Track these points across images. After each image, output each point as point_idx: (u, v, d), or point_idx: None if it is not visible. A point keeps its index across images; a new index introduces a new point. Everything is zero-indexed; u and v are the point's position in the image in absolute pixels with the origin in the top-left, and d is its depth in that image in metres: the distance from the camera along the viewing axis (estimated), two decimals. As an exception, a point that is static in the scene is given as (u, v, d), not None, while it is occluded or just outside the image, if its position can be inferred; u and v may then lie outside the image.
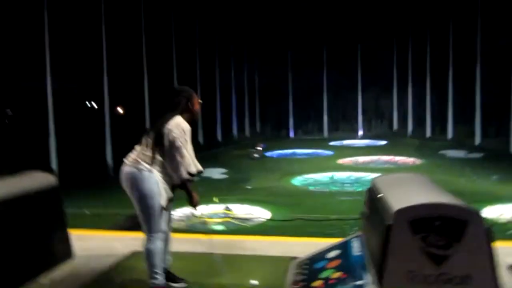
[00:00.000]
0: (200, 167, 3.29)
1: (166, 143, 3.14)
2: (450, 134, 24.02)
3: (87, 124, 17.08)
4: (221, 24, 24.02)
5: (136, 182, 3.13)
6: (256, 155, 20.40)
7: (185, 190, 3.24)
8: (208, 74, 23.85)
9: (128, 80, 18.32)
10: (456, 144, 21.95)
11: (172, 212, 3.59)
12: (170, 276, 3.48)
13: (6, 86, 15.26)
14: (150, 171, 3.13)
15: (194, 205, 3.30)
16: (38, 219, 3.78)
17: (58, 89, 13.88)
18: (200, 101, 3.53)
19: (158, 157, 3.17)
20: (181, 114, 3.30)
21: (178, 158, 3.11)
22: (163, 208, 3.19)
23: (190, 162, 3.18)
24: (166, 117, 3.24)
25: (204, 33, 22.93)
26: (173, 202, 3.41)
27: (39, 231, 3.76)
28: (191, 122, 3.36)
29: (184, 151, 3.14)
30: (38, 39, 12.64)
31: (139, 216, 3.20)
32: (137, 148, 3.28)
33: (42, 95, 13.09)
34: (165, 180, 3.19)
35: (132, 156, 3.25)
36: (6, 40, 13.73)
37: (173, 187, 3.28)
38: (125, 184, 3.23)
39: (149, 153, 3.17)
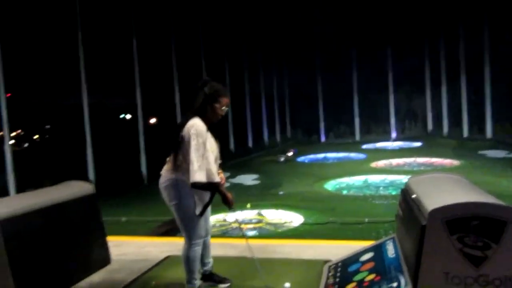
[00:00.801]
0: (214, 178, 3.04)
1: (183, 149, 3.06)
2: (489, 133, 23.11)
3: (122, 135, 17.57)
4: (248, 29, 24.22)
5: (170, 192, 3.15)
6: (281, 159, 20.44)
7: (216, 191, 3.15)
8: (237, 81, 24.06)
9: (160, 91, 18.75)
10: (496, 143, 21.08)
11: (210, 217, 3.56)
12: (215, 278, 3.52)
13: (45, 103, 15.97)
14: (179, 179, 3.10)
15: (228, 205, 3.21)
16: (78, 226, 3.92)
17: (93, 104, 14.39)
18: (225, 107, 3.20)
19: (183, 164, 3.08)
20: (200, 114, 3.15)
21: (188, 162, 3.00)
22: (199, 215, 3.18)
23: (201, 169, 2.97)
24: (183, 120, 3.14)
25: (232, 41, 23.20)
26: (210, 209, 3.40)
27: (78, 238, 3.90)
28: (215, 125, 3.19)
29: (194, 156, 2.97)
30: (73, 57, 13.18)
31: (179, 224, 3.22)
32: (168, 158, 3.25)
33: (78, 110, 13.62)
34: (201, 188, 3.09)
35: (164, 167, 3.24)
36: (42, 57, 14.37)
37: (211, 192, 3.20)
38: (162, 195, 3.23)
39: (173, 161, 3.14)
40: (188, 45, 19.39)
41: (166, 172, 3.19)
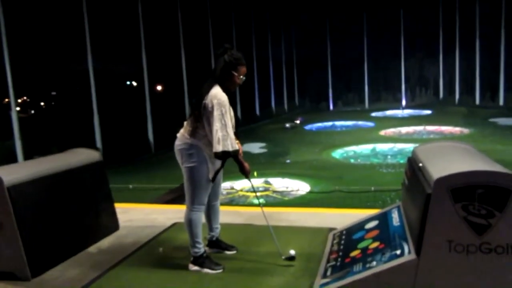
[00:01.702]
0: (236, 146, 3.10)
1: (203, 116, 3.11)
2: (501, 100, 22.71)
3: (128, 103, 17.58)
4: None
5: (183, 156, 3.20)
6: (288, 125, 20.45)
7: (234, 160, 3.20)
8: (244, 47, 23.68)
9: (166, 57, 18.55)
10: (508, 111, 20.78)
11: (221, 184, 3.60)
12: (221, 245, 3.58)
13: (50, 69, 15.91)
14: (195, 144, 3.15)
15: (245, 174, 3.28)
16: (85, 193, 3.98)
17: (99, 70, 14.32)
18: (242, 76, 3.21)
19: (200, 130, 3.14)
20: (220, 82, 3.16)
21: (213, 133, 3.04)
22: (210, 181, 3.23)
23: (224, 138, 3.02)
24: (205, 87, 3.15)
25: (239, 4, 22.65)
26: (221, 174, 3.44)
27: (86, 204, 3.96)
28: (229, 93, 3.19)
29: (218, 126, 3.02)
30: (78, 23, 13.01)
31: (185, 187, 3.27)
32: (186, 122, 3.29)
33: (84, 76, 13.57)
34: (211, 152, 3.13)
35: (181, 130, 3.27)
36: (48, 24, 14.21)
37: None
38: (176, 157, 3.28)
39: (191, 126, 3.17)
40: (194, 10, 19.00)
41: (182, 136, 3.23)
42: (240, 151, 3.30)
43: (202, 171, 3.18)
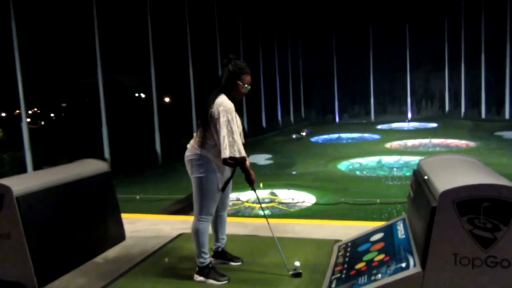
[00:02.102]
0: (243, 153, 3.12)
1: (211, 125, 3.15)
2: (507, 114, 22.63)
3: (136, 114, 17.75)
4: (263, 5, 23.84)
5: (192, 166, 3.23)
6: (294, 136, 20.55)
7: (241, 168, 3.21)
8: (251, 60, 23.87)
9: (174, 69, 18.76)
10: (514, 124, 20.68)
11: (230, 194, 3.61)
12: (227, 256, 3.59)
13: (61, 81, 16.15)
14: (204, 155, 3.18)
15: (251, 183, 3.29)
16: (93, 203, 4.02)
17: (109, 82, 14.51)
18: (247, 85, 3.25)
19: (209, 141, 3.17)
20: (225, 92, 3.21)
21: (220, 139, 3.07)
22: (219, 191, 3.26)
23: (231, 144, 3.05)
24: (211, 97, 3.20)
25: (247, 17, 22.91)
26: (230, 184, 3.46)
27: (94, 214, 4.00)
28: (235, 102, 3.22)
29: (224, 132, 3.05)
30: (89, 36, 13.23)
31: (193, 197, 3.30)
32: (195, 133, 3.32)
33: (94, 88, 13.76)
34: (218, 163, 3.17)
35: (191, 141, 3.31)
36: (59, 38, 14.47)
37: (232, 168, 3.28)
38: (186, 167, 3.32)
39: (200, 137, 3.21)
40: (202, 23, 19.24)
41: (192, 147, 3.27)
42: (247, 161, 3.33)
43: (211, 182, 3.21)
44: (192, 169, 3.24)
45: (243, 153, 3.13)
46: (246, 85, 3.26)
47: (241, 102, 3.51)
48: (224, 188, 3.30)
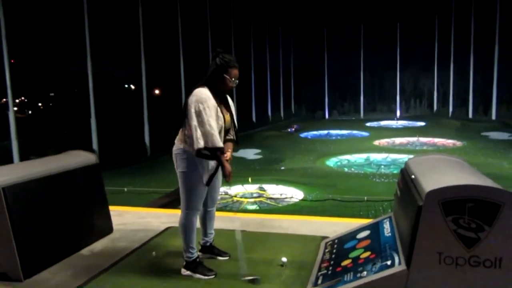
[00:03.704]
0: (217, 144, 3.02)
1: (186, 119, 3.09)
2: (494, 115, 22.97)
3: (126, 106, 17.60)
4: (255, 2, 23.77)
5: (177, 160, 3.22)
6: (290, 130, 20.78)
7: (216, 160, 3.15)
8: (243, 55, 23.80)
9: (165, 62, 18.63)
10: (500, 125, 20.99)
11: (219, 189, 3.59)
12: (214, 250, 3.60)
13: (49, 71, 15.93)
14: (186, 150, 3.16)
15: (226, 177, 3.20)
16: (80, 195, 3.99)
17: (98, 73, 14.35)
18: (234, 78, 3.19)
19: (189, 133, 3.12)
20: (209, 84, 3.15)
21: (190, 129, 3.02)
22: (204, 186, 3.23)
23: (204, 134, 2.99)
24: (195, 87, 3.15)
25: (238, 12, 22.82)
26: (219, 179, 3.44)
27: (81, 207, 3.97)
28: (222, 95, 3.20)
29: (194, 122, 3.00)
30: (79, 26, 13.06)
31: (180, 192, 3.29)
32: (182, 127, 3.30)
33: (83, 79, 13.60)
34: (205, 157, 3.13)
35: (178, 136, 3.29)
36: (48, 27, 14.25)
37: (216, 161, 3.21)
38: (174, 162, 3.30)
39: (184, 131, 3.19)
40: (194, 17, 19.11)
41: (177, 142, 3.26)
42: (229, 155, 3.27)
43: (195, 177, 3.19)
44: (177, 164, 3.23)
45: (217, 144, 3.03)
46: (233, 79, 3.20)
47: (232, 97, 3.48)
48: (209, 183, 3.25)
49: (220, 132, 3.16)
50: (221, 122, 3.18)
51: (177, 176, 3.27)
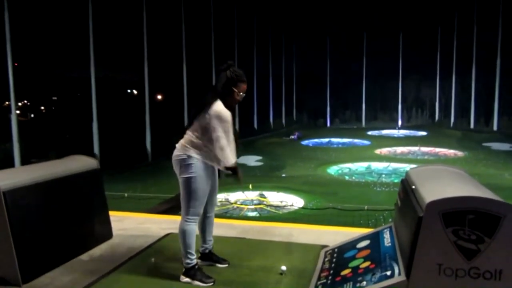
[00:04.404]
0: (234, 159, 3.23)
1: (205, 129, 3.16)
2: (495, 125, 22.95)
3: (128, 110, 17.65)
4: (259, 7, 23.88)
5: (181, 166, 3.23)
6: (292, 137, 20.84)
7: (233, 173, 3.27)
8: (246, 61, 23.88)
9: (168, 68, 18.70)
10: (501, 136, 20.97)
11: (217, 196, 3.62)
12: (213, 257, 3.59)
13: (53, 74, 16.00)
14: (193, 155, 3.20)
15: (238, 179, 3.28)
16: (81, 200, 3.99)
17: (101, 78, 14.40)
18: (242, 93, 3.28)
19: (200, 141, 3.19)
20: (221, 97, 3.22)
21: (218, 150, 3.13)
22: (206, 192, 3.28)
23: (228, 154, 3.16)
24: (207, 99, 3.20)
25: (242, 19, 22.92)
26: (217, 184, 3.47)
27: (81, 212, 3.97)
28: (230, 108, 3.26)
29: (223, 143, 3.12)
30: (83, 30, 13.13)
31: (181, 197, 3.30)
32: (186, 132, 3.32)
33: (86, 83, 13.65)
34: (208, 163, 3.23)
35: (181, 141, 3.30)
36: (52, 31, 14.34)
37: (218, 170, 3.36)
38: (174, 168, 3.32)
39: (191, 137, 3.22)
40: (198, 23, 19.21)
41: (182, 147, 3.25)
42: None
43: (201, 182, 3.22)
44: (181, 170, 3.23)
45: (234, 159, 3.23)
46: (241, 93, 3.29)
47: (235, 106, 3.51)
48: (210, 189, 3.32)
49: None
50: (232, 136, 3.27)
51: (180, 181, 3.27)
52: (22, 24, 12.31)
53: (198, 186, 3.22)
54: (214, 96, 3.22)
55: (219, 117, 3.12)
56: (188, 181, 3.21)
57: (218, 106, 3.17)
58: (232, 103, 3.29)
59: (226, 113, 3.16)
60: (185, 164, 3.21)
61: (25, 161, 10.22)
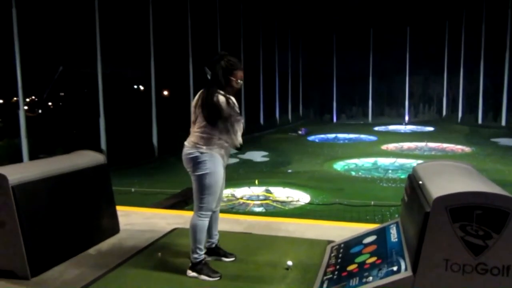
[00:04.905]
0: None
1: (217, 123, 3.19)
2: (503, 121, 22.74)
3: (134, 106, 17.70)
4: (265, 4, 23.79)
5: (194, 163, 3.23)
6: (300, 132, 20.86)
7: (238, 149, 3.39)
8: (252, 57, 23.81)
9: (174, 63, 18.71)
10: (510, 132, 20.78)
11: (223, 190, 3.63)
12: (220, 252, 3.61)
13: (61, 71, 16.05)
14: (206, 152, 3.21)
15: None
16: (88, 195, 4.03)
17: (108, 73, 14.45)
18: (240, 80, 3.29)
19: (214, 136, 3.21)
20: (222, 87, 3.23)
21: (235, 133, 3.23)
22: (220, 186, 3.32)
23: (239, 136, 3.28)
24: (210, 92, 3.19)
25: (248, 14, 22.85)
26: (224, 179, 3.47)
27: (88, 206, 4.01)
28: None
29: (236, 126, 3.22)
30: (90, 26, 13.18)
31: (194, 193, 3.31)
32: (193, 130, 3.32)
33: (93, 79, 13.70)
34: (221, 156, 3.26)
35: (190, 138, 3.31)
36: (59, 27, 14.39)
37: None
38: (185, 166, 3.32)
39: (201, 134, 3.22)
40: (204, 19, 19.18)
41: (192, 144, 3.25)
42: None
43: (217, 177, 3.24)
44: (194, 167, 3.23)
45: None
46: (239, 81, 3.29)
47: (240, 99, 3.56)
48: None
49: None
50: None
51: (193, 179, 3.27)
52: (29, 20, 12.36)
53: (212, 183, 3.23)
54: (216, 88, 3.22)
55: (227, 103, 3.15)
56: (204, 178, 3.22)
57: (221, 97, 3.18)
58: (231, 92, 3.29)
59: (232, 99, 3.23)
60: (198, 161, 3.21)
61: (33, 156, 10.31)
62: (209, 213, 3.32)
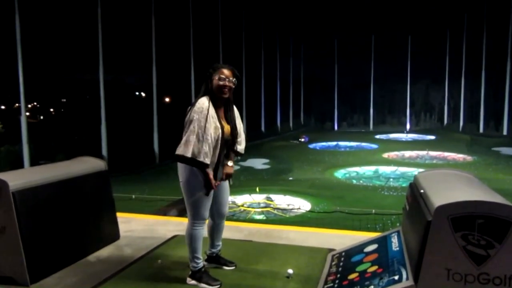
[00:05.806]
0: (201, 158, 3.02)
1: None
2: (505, 130, 22.70)
3: (136, 113, 17.75)
4: (267, 12, 23.91)
5: (180, 170, 3.21)
6: (301, 140, 20.83)
7: (201, 170, 3.11)
8: (253, 64, 23.90)
9: (176, 71, 18.79)
10: (511, 141, 20.75)
11: (228, 198, 3.56)
12: (220, 260, 3.58)
13: (62, 77, 16.14)
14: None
15: (206, 189, 3.15)
16: (89, 201, 4.01)
17: (110, 80, 14.51)
18: (223, 76, 3.15)
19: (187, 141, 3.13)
20: (208, 93, 3.19)
21: (184, 138, 3.06)
22: (206, 195, 3.21)
23: (182, 142, 3.03)
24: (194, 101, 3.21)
25: (250, 22, 22.96)
26: (227, 192, 3.45)
27: (89, 213, 3.99)
28: (222, 101, 3.20)
29: (186, 130, 3.05)
30: (92, 34, 13.25)
31: (185, 202, 3.29)
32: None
33: (95, 85, 13.75)
34: (211, 167, 3.16)
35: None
36: (62, 34, 14.48)
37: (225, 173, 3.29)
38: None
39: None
40: (206, 27, 19.28)
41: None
42: (229, 171, 3.29)
43: (194, 186, 3.15)
44: (179, 173, 3.22)
45: (201, 158, 3.02)
46: (222, 76, 3.16)
47: (241, 106, 3.50)
48: (208, 193, 3.20)
49: (217, 141, 3.13)
50: (219, 132, 3.13)
51: (181, 186, 3.24)
52: (32, 27, 12.44)
53: (194, 190, 3.16)
54: (201, 95, 3.23)
55: (194, 108, 3.09)
56: (184, 186, 3.19)
57: (197, 100, 3.16)
58: (219, 93, 3.18)
59: (202, 104, 3.10)
60: (182, 168, 3.17)
61: (34, 162, 10.32)
62: (202, 221, 3.26)
